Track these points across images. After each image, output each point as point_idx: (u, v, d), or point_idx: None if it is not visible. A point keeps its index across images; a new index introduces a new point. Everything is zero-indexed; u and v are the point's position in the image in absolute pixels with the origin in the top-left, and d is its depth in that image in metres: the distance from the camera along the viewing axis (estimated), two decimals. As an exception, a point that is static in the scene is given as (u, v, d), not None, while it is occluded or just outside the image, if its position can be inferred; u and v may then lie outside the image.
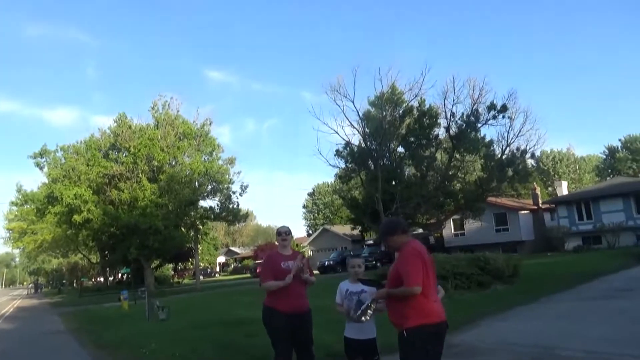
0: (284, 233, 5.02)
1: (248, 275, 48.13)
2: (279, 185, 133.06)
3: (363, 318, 3.86)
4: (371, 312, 3.86)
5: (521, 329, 7.41)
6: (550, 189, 49.07)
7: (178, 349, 8.01)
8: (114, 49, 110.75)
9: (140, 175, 27.93)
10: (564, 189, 38.41)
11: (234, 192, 31.07)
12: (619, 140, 64.85)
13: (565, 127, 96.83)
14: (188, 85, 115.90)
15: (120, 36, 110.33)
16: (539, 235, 34.88)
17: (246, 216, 33.00)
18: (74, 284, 59.51)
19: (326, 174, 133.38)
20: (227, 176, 30.83)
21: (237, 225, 60.61)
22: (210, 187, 30.47)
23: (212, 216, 31.16)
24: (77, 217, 26.60)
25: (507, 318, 8.47)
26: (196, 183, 29.35)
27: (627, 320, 7.11)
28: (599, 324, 7.05)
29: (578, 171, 59.54)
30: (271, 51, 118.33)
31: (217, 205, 31.17)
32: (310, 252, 53.70)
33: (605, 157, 67.01)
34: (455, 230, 37.23)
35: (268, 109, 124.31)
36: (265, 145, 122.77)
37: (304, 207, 78.80)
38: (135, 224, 26.00)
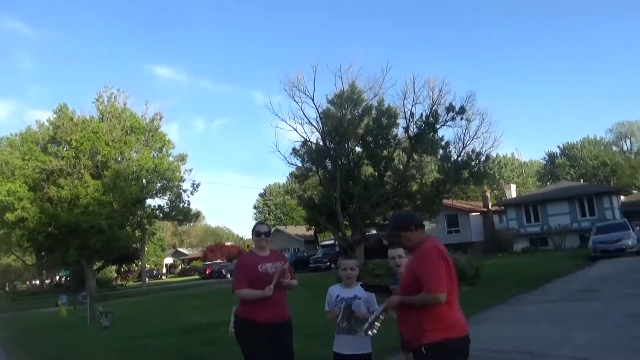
0: (263, 234, 4.32)
1: (197, 277, 46.43)
2: (229, 186, 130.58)
3: (370, 332, 3.23)
4: (379, 325, 3.24)
5: (503, 334, 7.07)
6: (496, 192, 50.60)
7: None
8: (54, 40, 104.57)
9: (83, 171, 26.07)
10: (512, 192, 39.62)
11: (184, 191, 29.76)
12: (558, 147, 67.96)
13: (511, 132, 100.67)
14: (134, 81, 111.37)
15: (60, 28, 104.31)
16: (488, 236, 35.69)
17: (197, 216, 31.69)
18: (6, 288, 55.37)
19: (278, 175, 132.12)
20: (177, 174, 29.45)
21: (186, 225, 58.72)
22: (159, 184, 28.97)
23: (161, 215, 29.65)
24: (9, 216, 24.48)
25: (482, 321, 8.13)
26: (144, 180, 27.79)
27: (609, 325, 6.91)
28: (583, 329, 6.80)
29: (523, 175, 61.84)
30: (222, 49, 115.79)
31: (167, 203, 29.73)
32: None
33: (545, 162, 70.08)
34: (408, 231, 37.47)
35: (218, 108, 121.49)
36: (215, 144, 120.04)
37: (254, 207, 77.54)
38: (75, 223, 24.19)
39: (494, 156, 63.49)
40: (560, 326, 7.11)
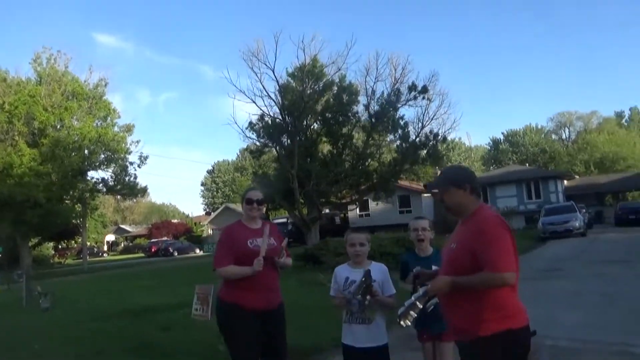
0: (255, 202, 3.61)
1: (142, 254, 44.59)
2: (174, 159, 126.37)
3: (403, 322, 2.62)
4: (415, 315, 2.62)
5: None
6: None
7: (74, 350, 6.22)
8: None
9: (17, 138, 23.78)
10: (463, 174, 40.44)
11: (131, 164, 27.98)
12: (502, 133, 70.34)
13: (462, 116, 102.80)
14: (76, 48, 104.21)
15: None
16: (438, 217, 36.29)
17: (144, 191, 29.96)
18: None
19: (227, 152, 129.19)
20: (123, 145, 27.57)
21: (130, 201, 56.15)
22: (103, 156, 27.01)
23: (105, 189, 27.80)
24: None
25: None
26: (86, 151, 25.81)
27: (590, 304, 6.80)
28: (567, 309, 6.64)
29: (470, 159, 63.56)
30: (169, 20, 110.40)
31: (111, 177, 27.87)
32: (210, 232, 51.33)
33: (490, 148, 72.43)
34: (360, 211, 37.51)
35: (165, 80, 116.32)
36: (161, 118, 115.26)
37: (202, 184, 75.50)
38: (9, 195, 22.06)
39: (450, 139, 65.18)
40: (542, 306, 6.90)
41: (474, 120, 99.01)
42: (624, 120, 63.87)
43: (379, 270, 3.12)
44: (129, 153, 28.02)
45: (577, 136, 60.11)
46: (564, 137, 67.60)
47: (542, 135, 66.38)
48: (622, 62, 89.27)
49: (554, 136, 67.79)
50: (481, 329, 2.30)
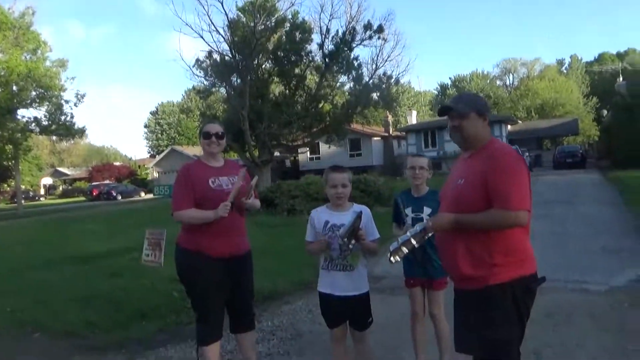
0: (214, 135, 3.18)
1: (82, 198, 42.73)
2: (115, 102, 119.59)
3: (393, 258, 2.35)
4: (407, 252, 2.36)
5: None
6: (393, 118, 52.12)
7: (11, 302, 5.70)
8: None
9: None
10: (413, 118, 40.87)
11: (66, 102, 25.93)
12: (450, 78, 71.27)
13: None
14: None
15: None
16: (388, 161, 36.86)
17: (82, 132, 28.06)
18: None
19: (171, 93, 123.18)
20: (56, 81, 25.36)
21: (67, 142, 53.05)
22: (34, 93, 24.80)
23: (38, 129, 25.79)
24: None
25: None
26: (15, 87, 23.58)
27: (543, 245, 6.94)
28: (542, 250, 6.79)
29: (421, 103, 64.27)
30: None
31: (45, 116, 25.80)
32: (156, 175, 49.73)
33: (437, 93, 73.40)
34: (310, 154, 37.35)
35: (100, 13, 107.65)
36: (98, 55, 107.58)
37: (146, 126, 72.21)
38: None
39: (403, 83, 65.21)
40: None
41: (423, 66, 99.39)
42: (563, 68, 66.12)
43: (354, 211, 2.82)
44: (64, 90, 25.89)
45: (520, 82, 61.73)
46: (508, 83, 69.30)
47: (488, 81, 67.75)
48: (565, 10, 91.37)
49: (498, 82, 69.34)
50: (492, 276, 2.08)
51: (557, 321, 4.12)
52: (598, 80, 58.77)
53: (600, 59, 64.72)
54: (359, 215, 2.62)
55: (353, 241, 2.64)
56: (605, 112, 41.40)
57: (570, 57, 66.73)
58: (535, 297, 2.20)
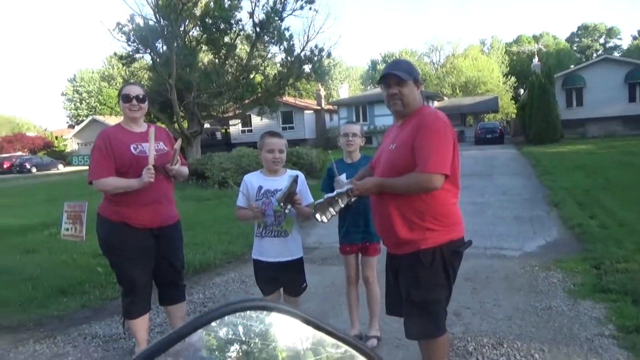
0: (135, 97, 2.99)
1: (-9, 171, 39.24)
2: (27, 67, 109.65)
3: (320, 216, 2.37)
4: (334, 213, 2.39)
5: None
6: (325, 92, 52.31)
7: None
8: None
9: None
10: (345, 91, 41.17)
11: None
12: (380, 54, 72.41)
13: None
14: None
15: None
16: (319, 134, 37.04)
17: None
18: None
19: (90, 60, 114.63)
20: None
21: (-30, 110, 48.21)
22: None
23: None
24: None
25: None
26: None
27: (464, 214, 7.33)
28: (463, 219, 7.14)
29: (354, 77, 64.77)
30: None
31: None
32: (76, 146, 46.71)
33: (368, 68, 74.38)
34: (242, 126, 36.70)
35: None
36: (5, 15, 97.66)
37: (63, 95, 67.11)
38: None
39: (335, 57, 65.16)
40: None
41: (354, 41, 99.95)
42: (485, 48, 69.23)
43: (289, 175, 2.77)
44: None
45: (446, 60, 63.92)
46: (435, 60, 71.51)
47: (416, 58, 69.50)
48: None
49: (426, 59, 71.39)
50: (423, 240, 2.16)
51: (476, 284, 4.41)
52: (516, 60, 62.21)
53: (518, 40, 68.36)
54: (295, 180, 2.61)
55: (289, 206, 2.62)
56: (522, 91, 44.08)
57: (492, 37, 70.02)
58: (460, 261, 2.33)
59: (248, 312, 0.60)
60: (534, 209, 8.03)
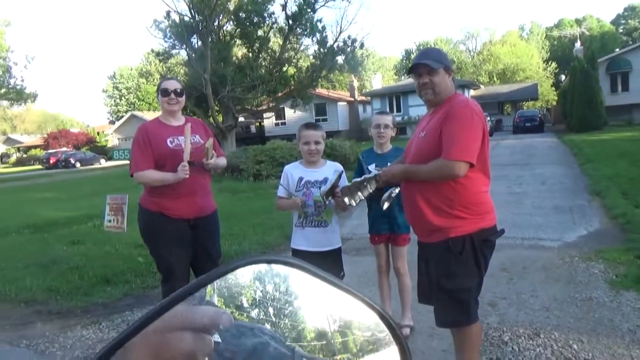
0: (173, 92, 3.08)
1: (39, 167, 41.10)
2: (70, 66, 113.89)
3: (347, 199, 2.45)
4: (362, 197, 2.45)
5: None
6: (358, 83, 51.97)
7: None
8: None
9: None
10: (378, 82, 40.80)
11: (15, 64, 24.57)
12: (414, 43, 71.21)
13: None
14: None
15: None
16: (353, 125, 36.90)
17: (34, 96, 26.76)
18: None
19: (130, 56, 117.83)
20: (2, 41, 23.91)
21: (18, 108, 50.49)
22: (-22, 54, 23.40)
23: (-15, 93, 24.46)
24: None
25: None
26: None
27: (502, 204, 7.16)
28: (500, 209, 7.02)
29: (385, 68, 64.12)
30: None
31: (-8, 79, 24.42)
32: (116, 142, 48.25)
33: (402, 58, 73.35)
34: (276, 119, 36.95)
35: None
36: (48, 16, 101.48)
37: (103, 91, 69.37)
38: None
39: (368, 47, 64.68)
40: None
41: (388, 30, 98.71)
42: (524, 33, 67.01)
43: (335, 170, 2.86)
44: (11, 52, 24.49)
45: (483, 47, 62.27)
46: (471, 48, 69.80)
47: (451, 46, 68.01)
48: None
49: (462, 47, 69.77)
50: (453, 229, 2.15)
51: (512, 275, 4.33)
52: (557, 45, 60.01)
53: (560, 24, 65.83)
54: (340, 174, 2.64)
55: (330, 198, 2.66)
56: (563, 77, 42.49)
57: (531, 22, 67.69)
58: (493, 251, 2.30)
59: (267, 265, 0.61)
60: (574, 199, 7.78)
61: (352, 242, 6.06)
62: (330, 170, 2.85)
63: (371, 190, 2.35)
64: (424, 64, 2.23)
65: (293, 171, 2.90)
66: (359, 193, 2.36)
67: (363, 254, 5.36)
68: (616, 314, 3.33)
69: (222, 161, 3.22)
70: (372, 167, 2.84)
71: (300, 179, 2.84)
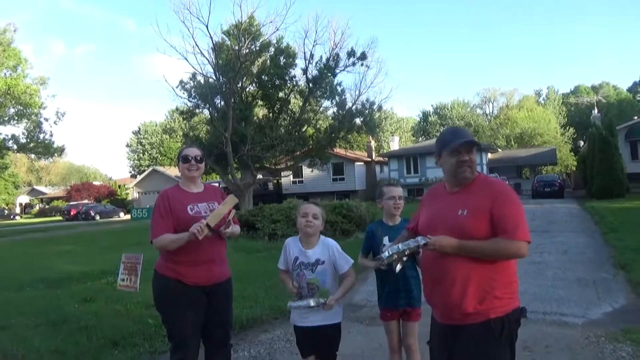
0: (193, 158, 3.15)
1: (60, 218, 41.78)
2: (97, 121, 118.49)
3: (399, 266, 2.26)
4: (404, 261, 2.27)
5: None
6: (376, 143, 52.67)
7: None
8: None
9: None
10: (395, 143, 41.31)
11: (46, 119, 25.59)
12: (431, 105, 72.57)
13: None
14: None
15: None
16: (370, 185, 37.03)
17: (61, 150, 27.64)
18: None
19: (153, 114, 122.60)
20: (36, 99, 25.08)
21: (45, 161, 52.12)
22: (13, 110, 24.45)
23: (16, 147, 25.33)
24: None
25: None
26: (-7, 103, 23.28)
27: (521, 274, 6.99)
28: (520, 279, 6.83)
29: (403, 129, 65.03)
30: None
31: (23, 133, 25.38)
32: (136, 195, 49.03)
33: (420, 119, 74.54)
34: (293, 177, 37.35)
35: (82, 33, 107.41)
36: (79, 74, 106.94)
37: (127, 146, 71.44)
38: None
39: (386, 109, 66.14)
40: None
41: (405, 93, 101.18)
42: (541, 99, 67.89)
43: (329, 245, 2.89)
44: (44, 108, 25.62)
45: (500, 111, 63.09)
46: (487, 111, 70.78)
47: (468, 110, 69.09)
48: (543, 42, 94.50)
49: (478, 110, 70.79)
50: (493, 310, 2.09)
51: (535, 355, 4.11)
52: (574, 111, 60.47)
53: (576, 91, 66.67)
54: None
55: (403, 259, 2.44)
56: (582, 142, 42.46)
57: (547, 88, 68.74)
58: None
59: None
60: (598, 271, 7.51)
61: (366, 309, 5.89)
62: (323, 250, 2.87)
63: (407, 254, 2.23)
64: (475, 142, 2.24)
65: (292, 247, 2.96)
66: (403, 258, 2.26)
67: (377, 324, 5.17)
68: (648, 404, 3.10)
69: (237, 229, 3.23)
70: (385, 240, 2.80)
71: (296, 258, 2.90)
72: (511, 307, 2.14)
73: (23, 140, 25.23)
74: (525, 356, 4.03)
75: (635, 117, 35.00)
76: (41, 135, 25.50)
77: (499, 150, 41.53)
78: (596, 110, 37.93)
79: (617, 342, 4.30)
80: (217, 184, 32.29)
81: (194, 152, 3.18)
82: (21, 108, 24.52)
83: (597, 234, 11.68)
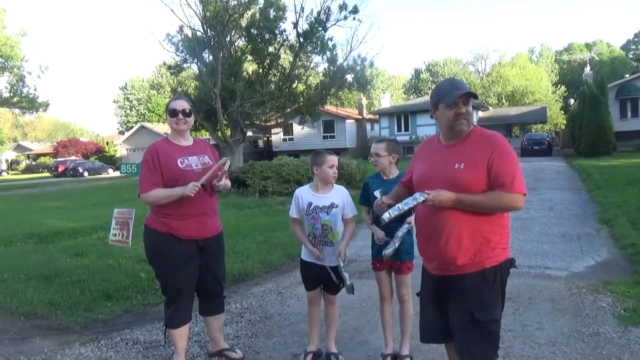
0: (181, 112, 3.10)
1: (47, 174, 41.41)
2: (82, 76, 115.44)
3: (386, 215, 2.28)
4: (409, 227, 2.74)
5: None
6: (367, 100, 52.15)
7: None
8: None
9: None
10: (387, 101, 40.94)
11: (29, 73, 24.88)
12: (424, 62, 71.64)
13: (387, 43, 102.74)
14: None
15: None
16: (360, 143, 36.98)
17: (45, 105, 27.02)
18: None
19: (141, 68, 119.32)
20: (17, 51, 24.27)
21: (30, 116, 51.17)
22: (-6, 62, 23.74)
23: (-1, 101, 24.75)
24: None
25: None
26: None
27: (525, 232, 7.11)
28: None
29: (394, 87, 64.40)
30: None
31: (5, 87, 24.72)
32: (125, 152, 48.55)
33: (411, 77, 73.71)
34: (284, 135, 37.12)
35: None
36: (61, 27, 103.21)
37: (114, 102, 70.12)
38: None
39: (378, 66, 65.00)
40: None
41: (397, 50, 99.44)
42: (534, 56, 67.18)
43: (342, 191, 3.21)
44: (26, 61, 24.83)
45: (492, 69, 62.43)
46: (480, 69, 70.06)
47: (461, 67, 68.29)
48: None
49: (471, 67, 70.02)
50: (488, 259, 2.16)
51: (518, 305, 4.25)
52: (567, 69, 60.08)
53: (570, 48, 66.02)
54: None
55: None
56: (572, 101, 42.44)
57: (541, 45, 67.93)
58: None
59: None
60: (582, 226, 7.69)
61: (355, 264, 6.01)
62: (337, 195, 3.13)
63: (404, 211, 2.22)
64: (472, 94, 2.19)
65: (303, 195, 3.16)
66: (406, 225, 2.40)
67: (366, 277, 5.30)
68: (624, 351, 3.25)
69: (228, 183, 3.24)
70: (377, 193, 2.81)
71: (310, 204, 3.11)
72: (504, 257, 2.21)
73: (6, 95, 24.60)
74: (509, 307, 4.16)
75: (627, 75, 34.90)
76: (25, 90, 24.85)
77: (490, 108, 41.41)
78: (588, 68, 37.70)
79: (598, 293, 4.45)
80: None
81: (182, 105, 3.11)
82: (2, 61, 23.76)
83: (583, 191, 11.88)
